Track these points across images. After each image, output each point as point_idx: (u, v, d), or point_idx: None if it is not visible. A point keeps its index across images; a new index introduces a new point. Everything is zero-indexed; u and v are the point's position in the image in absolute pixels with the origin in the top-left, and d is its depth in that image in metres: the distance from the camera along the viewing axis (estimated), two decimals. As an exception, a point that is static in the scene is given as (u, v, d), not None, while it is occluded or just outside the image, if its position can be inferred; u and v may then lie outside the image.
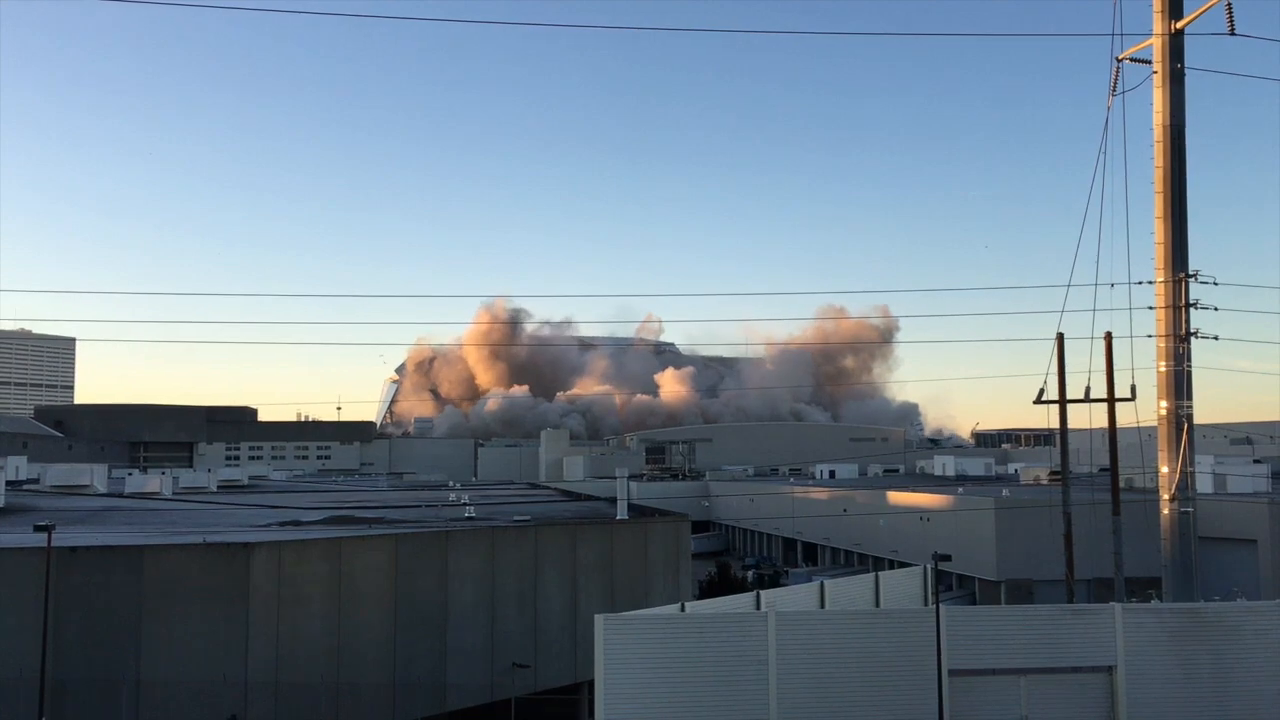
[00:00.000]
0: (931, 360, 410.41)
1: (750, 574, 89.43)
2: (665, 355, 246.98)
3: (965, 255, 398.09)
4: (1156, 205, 30.14)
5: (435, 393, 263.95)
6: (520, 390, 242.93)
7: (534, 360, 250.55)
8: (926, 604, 35.83)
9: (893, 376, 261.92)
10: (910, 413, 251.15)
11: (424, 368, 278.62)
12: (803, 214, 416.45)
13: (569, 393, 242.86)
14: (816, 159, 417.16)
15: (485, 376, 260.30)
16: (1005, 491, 77.83)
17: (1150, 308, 30.26)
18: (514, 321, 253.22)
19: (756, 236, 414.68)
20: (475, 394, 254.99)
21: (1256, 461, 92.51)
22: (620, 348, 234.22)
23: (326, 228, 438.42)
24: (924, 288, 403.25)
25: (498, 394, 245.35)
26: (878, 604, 34.83)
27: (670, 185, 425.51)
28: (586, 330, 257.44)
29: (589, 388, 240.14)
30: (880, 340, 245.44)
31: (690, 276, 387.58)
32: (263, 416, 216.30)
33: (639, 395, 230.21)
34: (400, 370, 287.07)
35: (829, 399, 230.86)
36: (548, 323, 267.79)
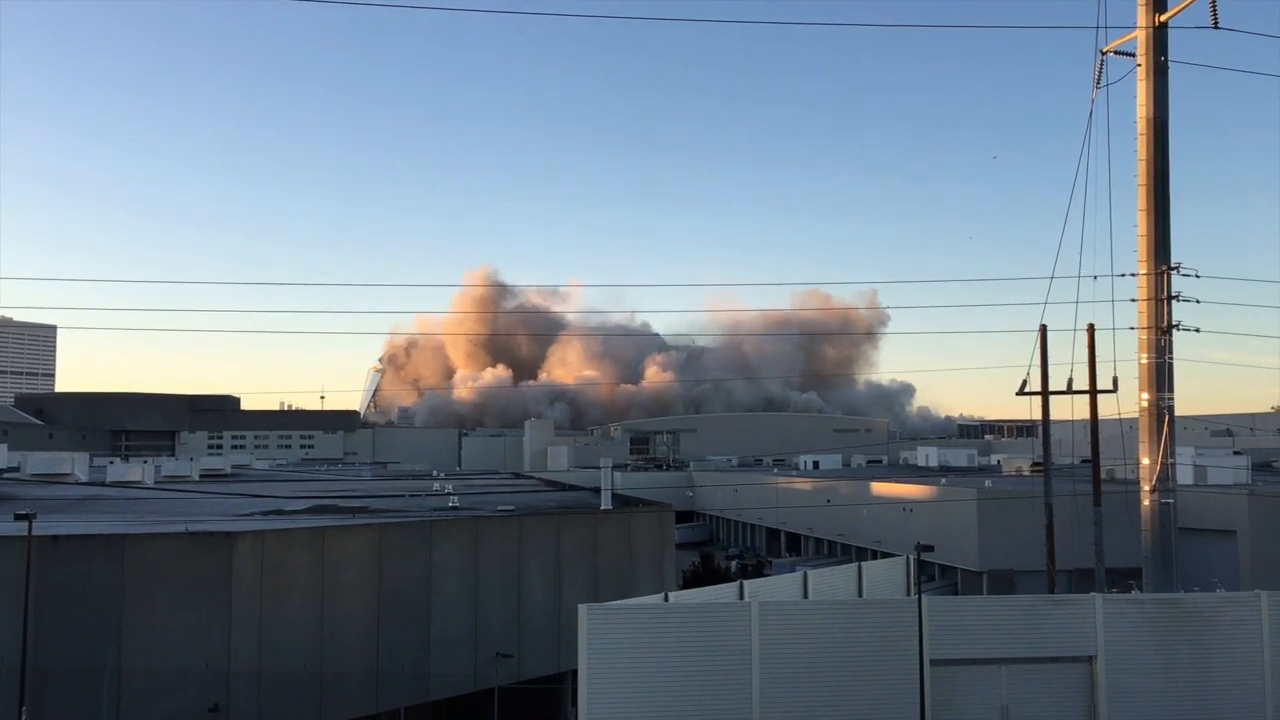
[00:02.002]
0: (914, 350, 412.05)
1: (734, 564, 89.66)
2: (650, 342, 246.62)
3: (949, 246, 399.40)
4: (1139, 198, 30.27)
5: (416, 383, 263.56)
6: (503, 373, 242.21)
7: (515, 340, 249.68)
8: (909, 594, 35.98)
9: (875, 366, 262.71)
10: (902, 393, 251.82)
11: (398, 360, 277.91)
12: (787, 204, 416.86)
13: (550, 376, 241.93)
14: (801, 150, 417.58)
15: (464, 357, 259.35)
16: (988, 482, 78.23)
17: (1132, 300, 30.40)
18: (496, 311, 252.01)
19: (740, 225, 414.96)
20: (454, 376, 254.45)
21: (1236, 453, 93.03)
22: (605, 336, 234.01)
23: (312, 215, 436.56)
24: (907, 278, 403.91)
25: (477, 376, 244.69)
26: (860, 594, 34.95)
27: (653, 176, 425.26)
28: (570, 319, 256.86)
29: (572, 373, 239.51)
30: (867, 330, 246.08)
31: (675, 265, 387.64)
32: (245, 405, 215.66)
33: (623, 385, 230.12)
34: (384, 359, 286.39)
35: (817, 385, 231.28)
36: (537, 288, 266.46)
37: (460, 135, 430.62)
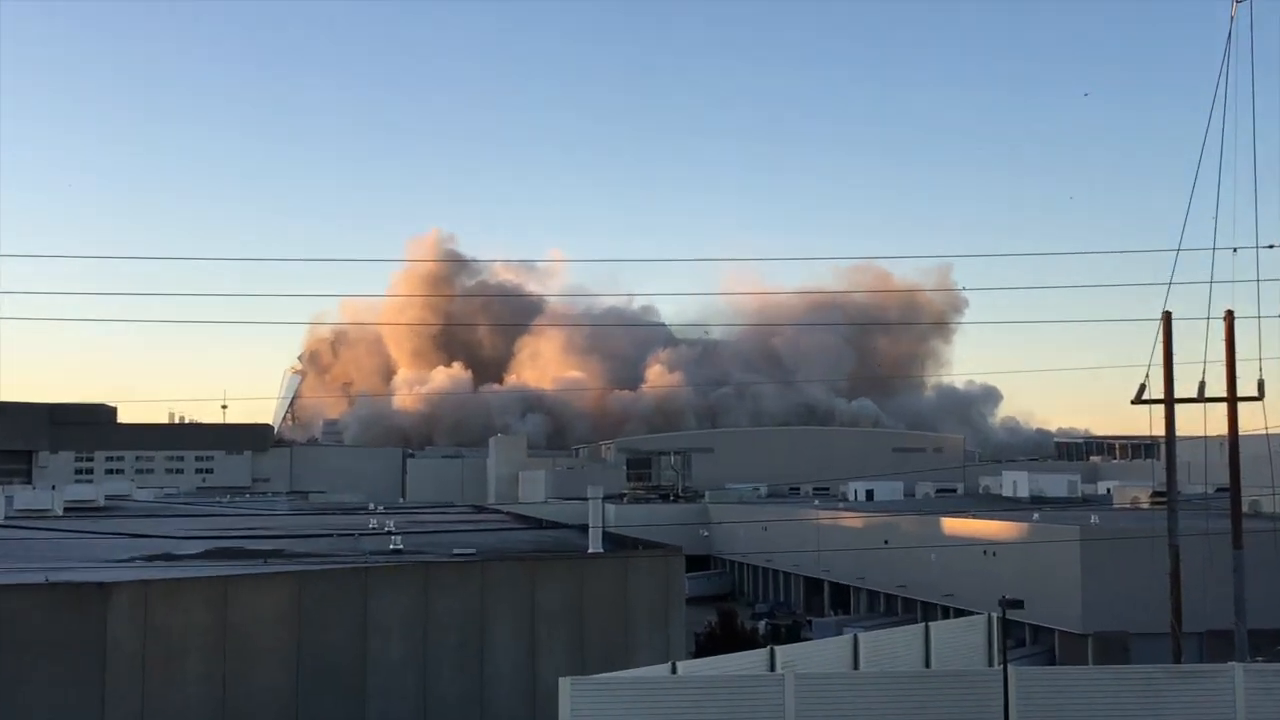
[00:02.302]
0: (997, 344, 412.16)
1: (763, 624, 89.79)
2: (653, 335, 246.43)
3: (1042, 209, 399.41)
4: (1293, 145, 30.28)
5: (346, 389, 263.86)
6: (460, 373, 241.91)
7: (475, 332, 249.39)
8: (992, 663, 36.03)
9: (947, 365, 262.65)
10: (982, 399, 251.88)
11: (321, 359, 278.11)
12: (830, 155, 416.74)
13: (522, 378, 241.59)
14: (846, 83, 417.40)
15: (408, 353, 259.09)
16: (1094, 518, 78.31)
17: (1283, 279, 30.43)
18: (451, 293, 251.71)
19: (768, 183, 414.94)
20: (394, 378, 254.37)
21: None
22: (594, 326, 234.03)
23: (209, 171, 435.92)
24: (988, 251, 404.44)
25: (424, 378, 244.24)
26: (928, 663, 35.02)
27: (656, 120, 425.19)
28: (549, 303, 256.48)
29: (550, 375, 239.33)
30: (937, 318, 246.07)
31: (684, 234, 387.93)
32: (124, 417, 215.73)
33: (617, 390, 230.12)
34: (304, 357, 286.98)
35: (871, 389, 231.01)
36: (505, 262, 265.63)
37: (402, 64, 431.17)
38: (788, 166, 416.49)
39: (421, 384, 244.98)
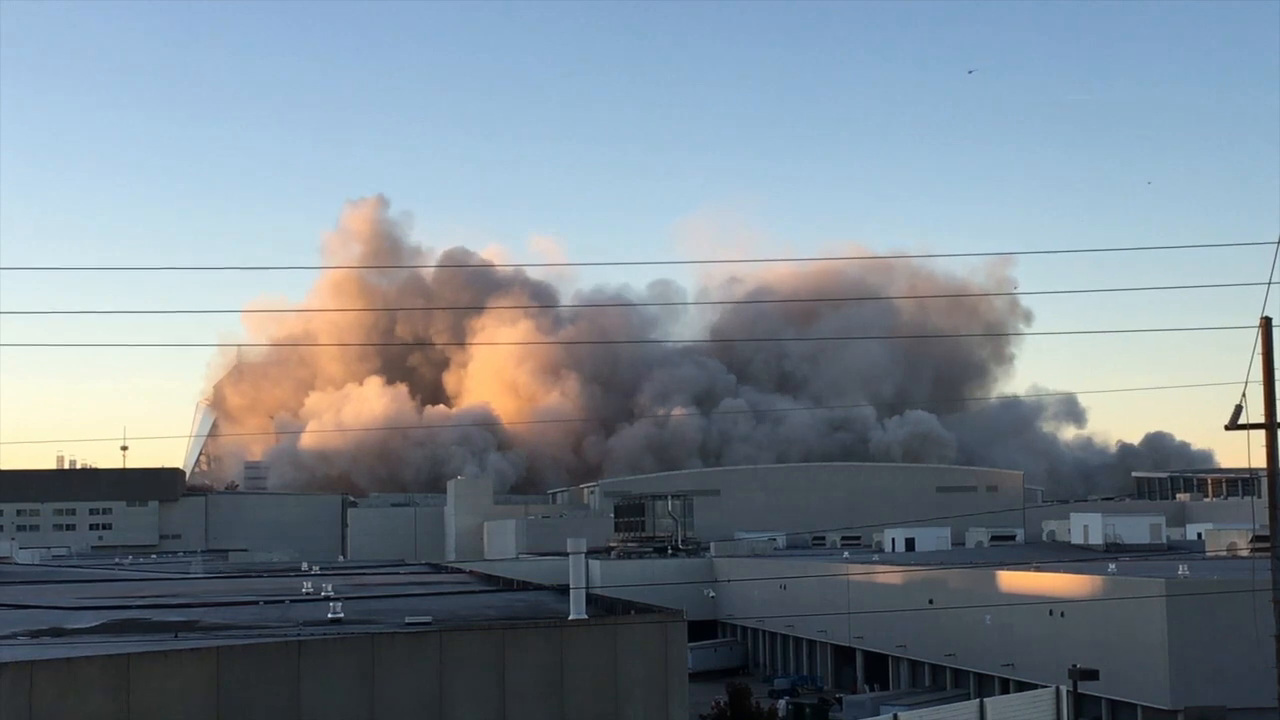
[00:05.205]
0: (1064, 357, 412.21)
1: (783, 704, 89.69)
2: (648, 353, 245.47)
3: (1117, 198, 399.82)
4: None
5: (274, 420, 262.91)
6: (402, 396, 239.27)
7: (426, 347, 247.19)
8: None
9: (1007, 376, 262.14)
10: (1050, 413, 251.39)
11: (222, 393, 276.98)
12: (862, 127, 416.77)
13: (482, 400, 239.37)
14: (877, 38, 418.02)
15: (339, 372, 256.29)
16: (1183, 568, 78.33)
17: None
18: (395, 308, 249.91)
19: (785, 161, 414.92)
20: (308, 404, 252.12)
21: None
22: (573, 343, 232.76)
23: (110, 164, 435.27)
24: (1052, 247, 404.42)
25: (345, 397, 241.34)
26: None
27: (649, 87, 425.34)
28: (517, 308, 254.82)
29: (518, 398, 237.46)
30: (995, 327, 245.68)
31: (682, 222, 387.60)
32: (3, 463, 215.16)
33: (602, 419, 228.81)
34: (218, 387, 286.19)
35: (921, 405, 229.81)
36: (454, 266, 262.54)
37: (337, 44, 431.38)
38: (807, 134, 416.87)
39: (345, 404, 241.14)
